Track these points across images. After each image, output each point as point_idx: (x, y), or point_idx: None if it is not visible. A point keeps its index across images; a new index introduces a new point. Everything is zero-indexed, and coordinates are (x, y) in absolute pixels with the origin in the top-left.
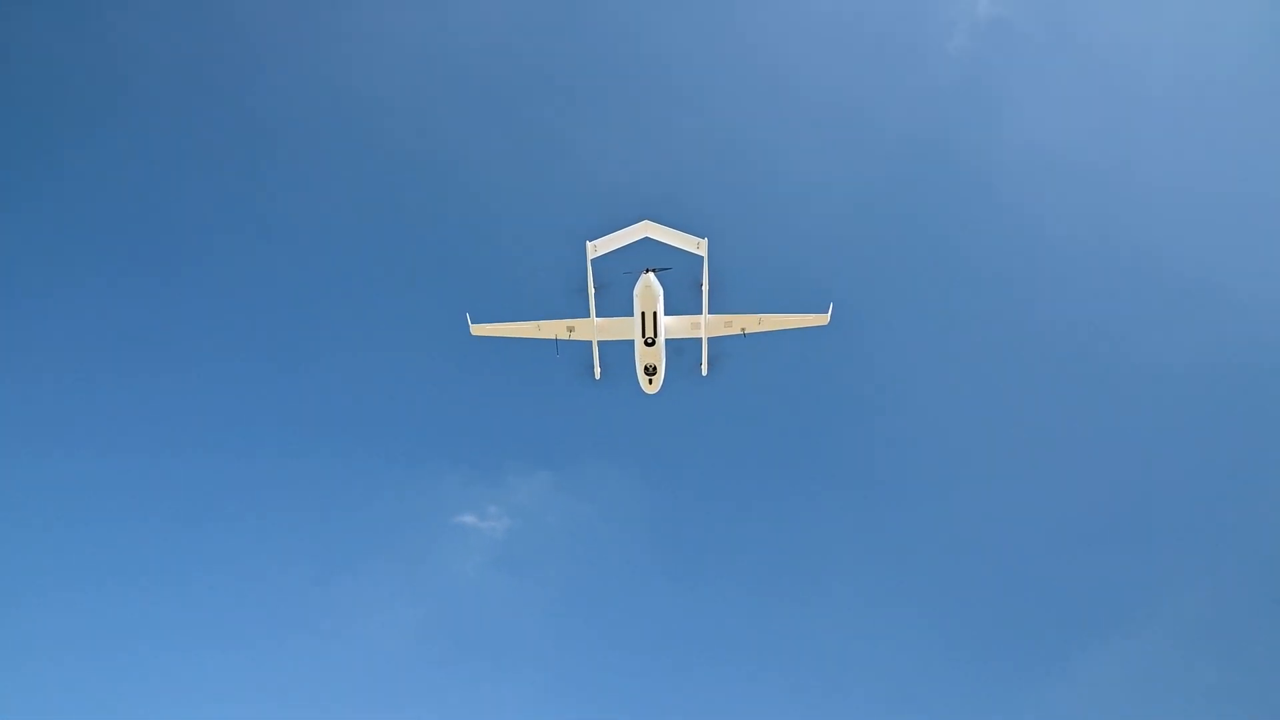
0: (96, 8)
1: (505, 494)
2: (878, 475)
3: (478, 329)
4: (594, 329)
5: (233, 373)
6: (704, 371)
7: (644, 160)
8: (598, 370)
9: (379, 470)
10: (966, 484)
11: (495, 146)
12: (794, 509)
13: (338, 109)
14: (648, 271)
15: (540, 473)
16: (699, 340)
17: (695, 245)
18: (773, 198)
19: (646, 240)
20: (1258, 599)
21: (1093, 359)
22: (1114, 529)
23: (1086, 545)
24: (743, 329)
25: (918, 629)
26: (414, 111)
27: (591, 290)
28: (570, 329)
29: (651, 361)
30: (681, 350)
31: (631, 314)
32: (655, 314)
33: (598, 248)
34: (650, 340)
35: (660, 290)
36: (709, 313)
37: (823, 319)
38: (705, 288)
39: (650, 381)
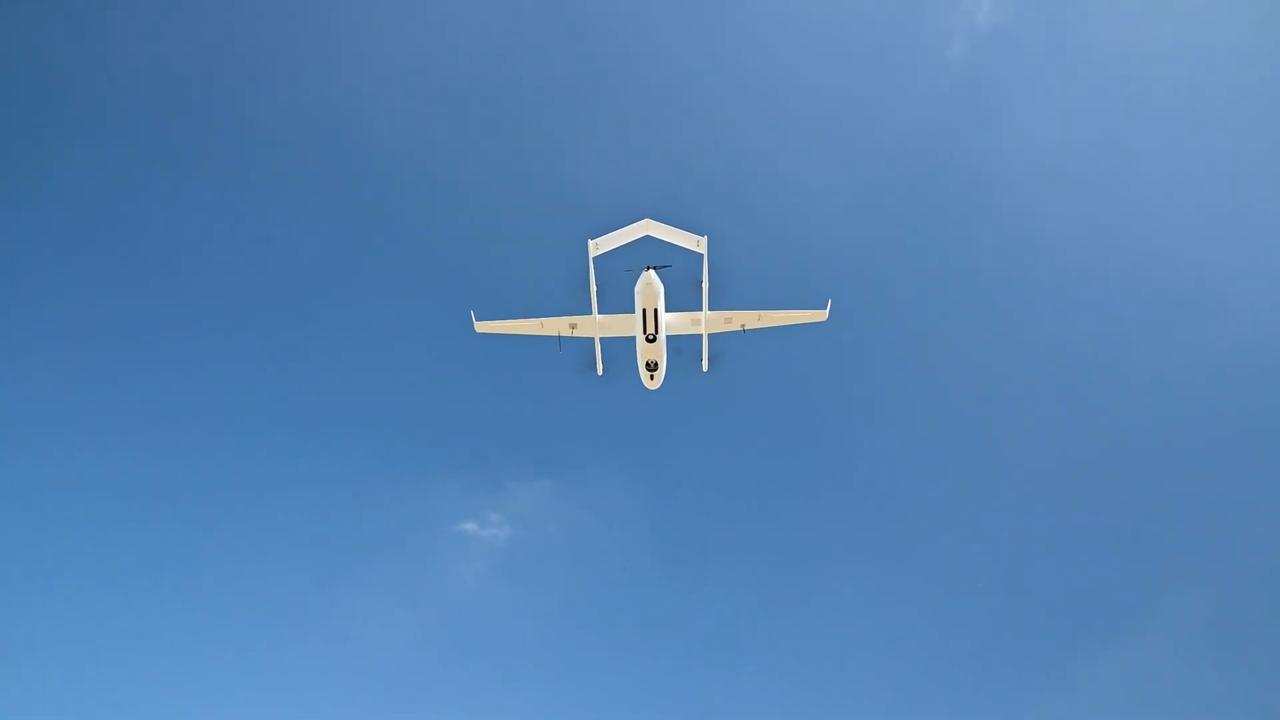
0: (95, 11)
1: (506, 502)
2: (877, 480)
3: (482, 326)
4: (596, 326)
5: (237, 378)
6: (704, 367)
7: (645, 164)
8: (600, 366)
9: (381, 477)
10: (967, 487)
11: (498, 150)
12: (794, 514)
13: (341, 109)
14: (649, 269)
15: (541, 481)
16: (699, 336)
17: (695, 243)
18: (772, 201)
19: (647, 238)
20: (1257, 605)
21: (1092, 365)
22: (1115, 534)
23: (1087, 550)
24: (742, 325)
25: (919, 634)
26: (416, 114)
27: (593, 288)
28: (573, 326)
29: (653, 357)
30: (682, 347)
31: (633, 311)
32: (656, 311)
33: (599, 246)
34: (651, 336)
35: (661, 287)
36: (709, 309)
37: (821, 315)
38: (705, 285)
39: (651, 377)
